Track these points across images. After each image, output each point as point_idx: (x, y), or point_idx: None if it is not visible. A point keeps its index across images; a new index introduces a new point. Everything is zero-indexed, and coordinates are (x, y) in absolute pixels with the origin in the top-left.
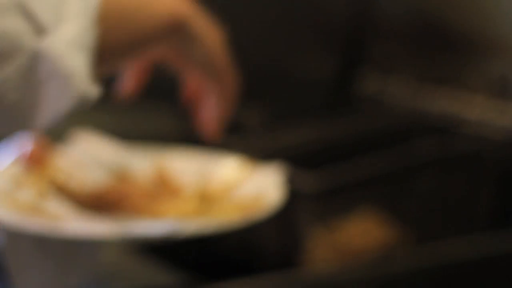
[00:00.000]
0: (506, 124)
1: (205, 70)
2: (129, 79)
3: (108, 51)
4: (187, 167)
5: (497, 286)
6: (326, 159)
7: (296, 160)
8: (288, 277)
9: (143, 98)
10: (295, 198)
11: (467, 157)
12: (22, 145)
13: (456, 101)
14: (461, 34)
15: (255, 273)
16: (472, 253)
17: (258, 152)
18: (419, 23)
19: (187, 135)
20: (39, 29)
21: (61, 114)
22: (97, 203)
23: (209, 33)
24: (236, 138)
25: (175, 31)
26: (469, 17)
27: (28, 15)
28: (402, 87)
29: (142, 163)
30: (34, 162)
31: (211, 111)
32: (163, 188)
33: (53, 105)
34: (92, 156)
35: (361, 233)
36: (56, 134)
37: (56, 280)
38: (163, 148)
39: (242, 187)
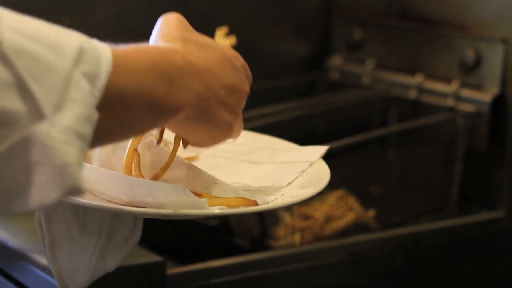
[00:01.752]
0: (477, 98)
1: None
2: None
3: (106, 136)
4: None
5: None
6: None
7: None
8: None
9: None
10: None
11: (440, 127)
12: None
13: (428, 78)
14: (428, 17)
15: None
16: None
17: None
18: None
19: None
20: (37, 113)
21: (49, 202)
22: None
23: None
24: None
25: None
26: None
27: (28, 97)
28: (372, 69)
29: None
30: None
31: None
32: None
33: (41, 191)
34: None
35: (329, 214)
36: None
37: (95, 261)
38: None
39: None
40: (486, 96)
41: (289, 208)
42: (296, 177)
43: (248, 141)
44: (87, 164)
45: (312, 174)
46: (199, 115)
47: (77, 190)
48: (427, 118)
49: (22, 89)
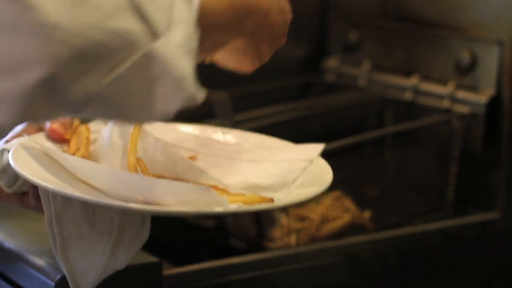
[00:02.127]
0: (472, 99)
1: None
2: None
3: (204, 50)
4: None
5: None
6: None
7: None
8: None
9: None
10: None
11: (436, 129)
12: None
13: (423, 80)
14: (424, 19)
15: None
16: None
17: None
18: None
19: None
20: (153, 31)
21: (170, 112)
22: None
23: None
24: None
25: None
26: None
27: (144, 17)
28: (368, 71)
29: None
30: (55, 139)
31: None
32: None
33: (163, 103)
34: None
35: (325, 215)
36: None
37: (106, 259)
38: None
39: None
40: (482, 98)
41: (284, 209)
42: (299, 175)
43: (243, 140)
44: (100, 165)
45: (313, 171)
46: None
47: (194, 99)
48: (423, 119)
49: (137, 11)
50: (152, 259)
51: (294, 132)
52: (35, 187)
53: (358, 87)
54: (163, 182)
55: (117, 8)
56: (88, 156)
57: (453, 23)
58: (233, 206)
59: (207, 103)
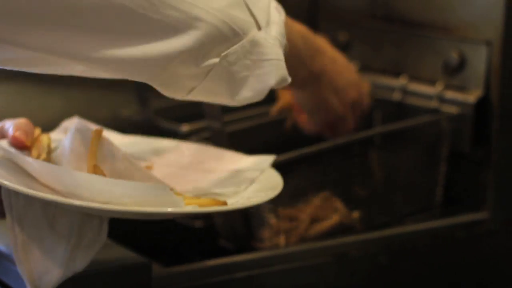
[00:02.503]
0: (461, 99)
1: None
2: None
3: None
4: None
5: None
6: (284, 139)
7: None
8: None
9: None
10: None
11: (425, 129)
12: (4, 130)
13: (412, 80)
14: (412, 19)
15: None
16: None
17: (221, 134)
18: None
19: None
20: (258, 24)
21: (268, 88)
22: None
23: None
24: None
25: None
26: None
27: (251, 12)
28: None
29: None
30: (17, 146)
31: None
32: None
33: (261, 81)
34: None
35: (314, 216)
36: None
37: (65, 261)
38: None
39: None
40: (470, 98)
41: (273, 210)
42: (251, 183)
43: (197, 152)
44: (61, 167)
45: (265, 180)
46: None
47: (286, 80)
48: (412, 120)
49: (247, 7)
50: (141, 259)
51: (283, 132)
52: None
53: None
54: (122, 182)
55: (235, 1)
56: (49, 163)
57: (442, 23)
58: (189, 207)
59: (196, 103)
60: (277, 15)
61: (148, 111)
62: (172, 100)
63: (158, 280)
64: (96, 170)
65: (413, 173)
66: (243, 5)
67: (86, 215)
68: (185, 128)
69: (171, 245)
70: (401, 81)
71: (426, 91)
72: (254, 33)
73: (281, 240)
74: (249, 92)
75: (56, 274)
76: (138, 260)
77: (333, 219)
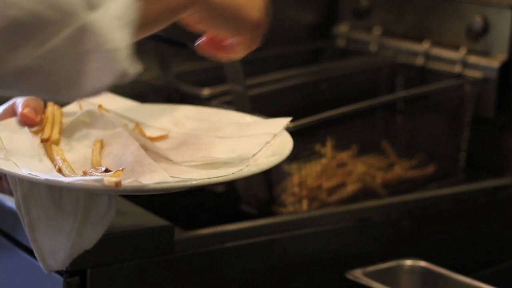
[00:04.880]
0: (484, 64)
1: (225, 29)
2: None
3: (145, 23)
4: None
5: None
6: (307, 103)
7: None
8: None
9: None
10: None
11: (448, 94)
12: (15, 107)
13: (435, 45)
14: None
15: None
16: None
17: (244, 98)
18: None
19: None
20: (90, 2)
21: (103, 87)
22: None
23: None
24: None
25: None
26: None
27: None
28: (378, 36)
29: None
30: (26, 123)
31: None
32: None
33: (94, 77)
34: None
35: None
36: None
37: (73, 239)
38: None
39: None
40: (494, 63)
41: (295, 175)
42: (261, 149)
43: (216, 118)
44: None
45: (276, 144)
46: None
47: (126, 74)
48: (434, 84)
49: None
50: (164, 223)
51: (305, 96)
52: None
53: (369, 52)
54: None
55: None
56: (57, 141)
57: None
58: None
59: (218, 67)
60: None
61: (169, 75)
62: (194, 64)
63: (180, 243)
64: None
65: (436, 138)
66: None
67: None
68: (206, 92)
69: (193, 210)
70: (424, 46)
71: (449, 55)
72: (83, 15)
73: (303, 205)
74: (78, 91)
75: (65, 252)
76: (161, 224)
77: (355, 185)
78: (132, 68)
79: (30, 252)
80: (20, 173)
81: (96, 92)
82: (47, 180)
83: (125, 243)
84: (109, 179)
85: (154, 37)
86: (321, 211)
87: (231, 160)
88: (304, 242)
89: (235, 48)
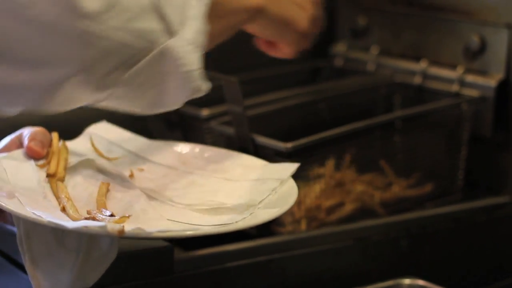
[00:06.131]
0: (482, 83)
1: (275, 36)
2: None
3: (211, 41)
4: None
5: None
6: (305, 123)
7: (278, 124)
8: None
9: None
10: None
11: (445, 112)
12: (20, 139)
13: (432, 64)
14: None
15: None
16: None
17: (242, 118)
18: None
19: None
20: (169, 30)
21: (181, 102)
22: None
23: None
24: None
25: (257, 15)
26: None
27: (162, 17)
28: (376, 55)
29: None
30: (32, 157)
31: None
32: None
33: (175, 94)
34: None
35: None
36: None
37: (74, 277)
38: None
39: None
40: (491, 81)
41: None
42: (267, 196)
43: (223, 158)
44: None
45: (281, 192)
46: (275, 13)
47: (200, 91)
48: (432, 103)
49: (158, 11)
50: (163, 243)
51: (303, 116)
52: None
53: (367, 72)
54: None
55: (142, 9)
56: (63, 178)
57: (462, 6)
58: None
59: (216, 87)
60: (196, 4)
61: None
62: None
63: (179, 264)
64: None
65: (434, 156)
66: (151, 11)
67: None
68: (205, 112)
69: None
70: (422, 65)
71: (446, 75)
72: (163, 41)
73: (302, 225)
74: (160, 107)
75: None
76: (160, 244)
77: (353, 204)
78: (204, 85)
79: None
80: (24, 213)
81: (175, 107)
82: (49, 222)
83: (124, 263)
84: (113, 227)
85: None
86: (320, 230)
87: (237, 206)
88: (303, 261)
89: (284, 50)
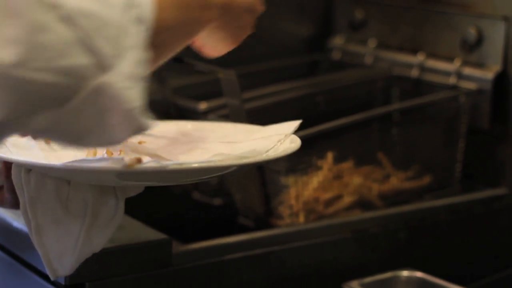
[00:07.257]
0: (479, 75)
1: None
2: None
3: (160, 58)
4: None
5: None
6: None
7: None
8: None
9: None
10: None
11: (443, 105)
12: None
13: (430, 57)
14: None
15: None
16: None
17: (240, 111)
18: None
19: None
20: (102, 65)
21: (119, 141)
22: None
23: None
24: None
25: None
26: None
27: (92, 51)
28: (373, 48)
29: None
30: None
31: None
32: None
33: (112, 133)
34: None
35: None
36: None
37: (81, 242)
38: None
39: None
40: (488, 74)
41: (292, 188)
42: (274, 146)
43: (225, 129)
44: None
45: (287, 142)
46: (222, 25)
47: (143, 129)
48: (430, 96)
49: (86, 46)
50: (162, 236)
51: (301, 109)
52: (9, 181)
53: (365, 65)
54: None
55: (66, 46)
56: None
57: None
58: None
59: (215, 81)
60: (134, 32)
61: (166, 89)
62: (190, 78)
63: (178, 257)
64: None
65: (432, 149)
66: (77, 46)
67: (101, 193)
68: (203, 106)
69: (190, 223)
70: (419, 58)
71: (444, 67)
72: (96, 78)
73: (300, 217)
74: (99, 143)
75: (72, 256)
76: (159, 237)
77: (352, 197)
78: (147, 122)
79: (37, 272)
80: (37, 162)
81: (116, 144)
82: (65, 165)
83: (123, 256)
84: (131, 158)
85: None
86: (318, 223)
87: (246, 154)
88: (301, 254)
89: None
